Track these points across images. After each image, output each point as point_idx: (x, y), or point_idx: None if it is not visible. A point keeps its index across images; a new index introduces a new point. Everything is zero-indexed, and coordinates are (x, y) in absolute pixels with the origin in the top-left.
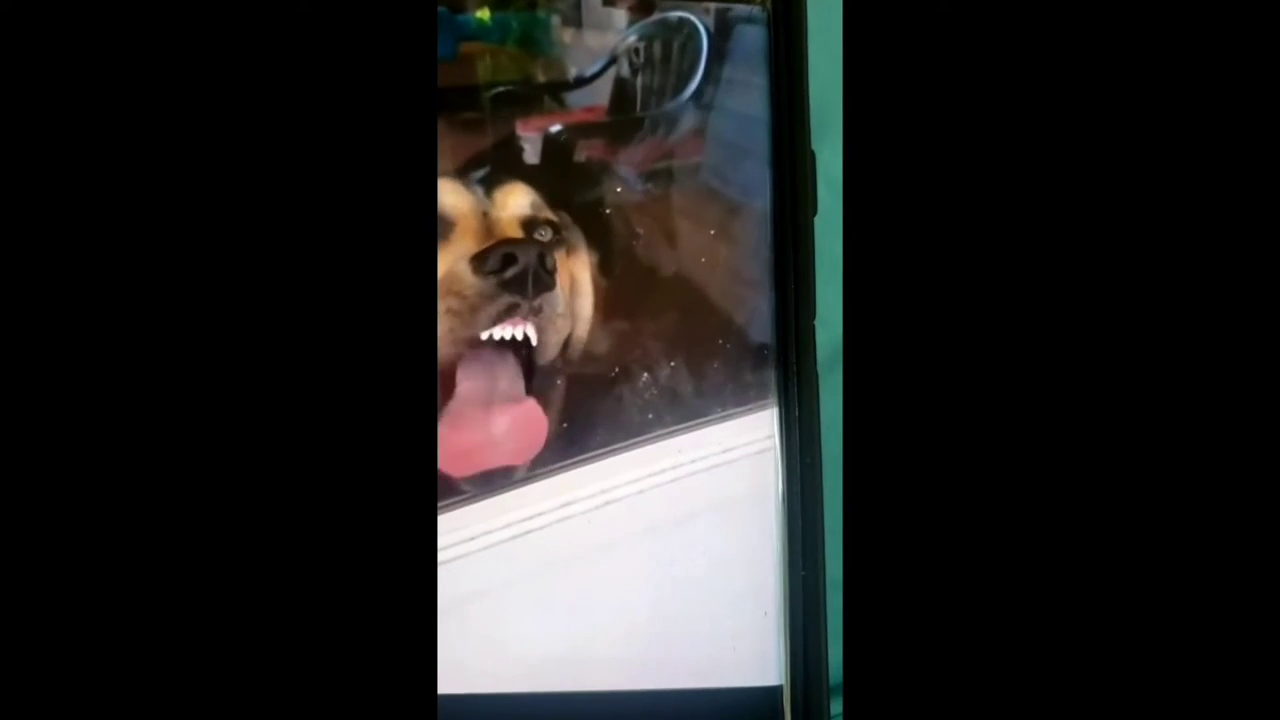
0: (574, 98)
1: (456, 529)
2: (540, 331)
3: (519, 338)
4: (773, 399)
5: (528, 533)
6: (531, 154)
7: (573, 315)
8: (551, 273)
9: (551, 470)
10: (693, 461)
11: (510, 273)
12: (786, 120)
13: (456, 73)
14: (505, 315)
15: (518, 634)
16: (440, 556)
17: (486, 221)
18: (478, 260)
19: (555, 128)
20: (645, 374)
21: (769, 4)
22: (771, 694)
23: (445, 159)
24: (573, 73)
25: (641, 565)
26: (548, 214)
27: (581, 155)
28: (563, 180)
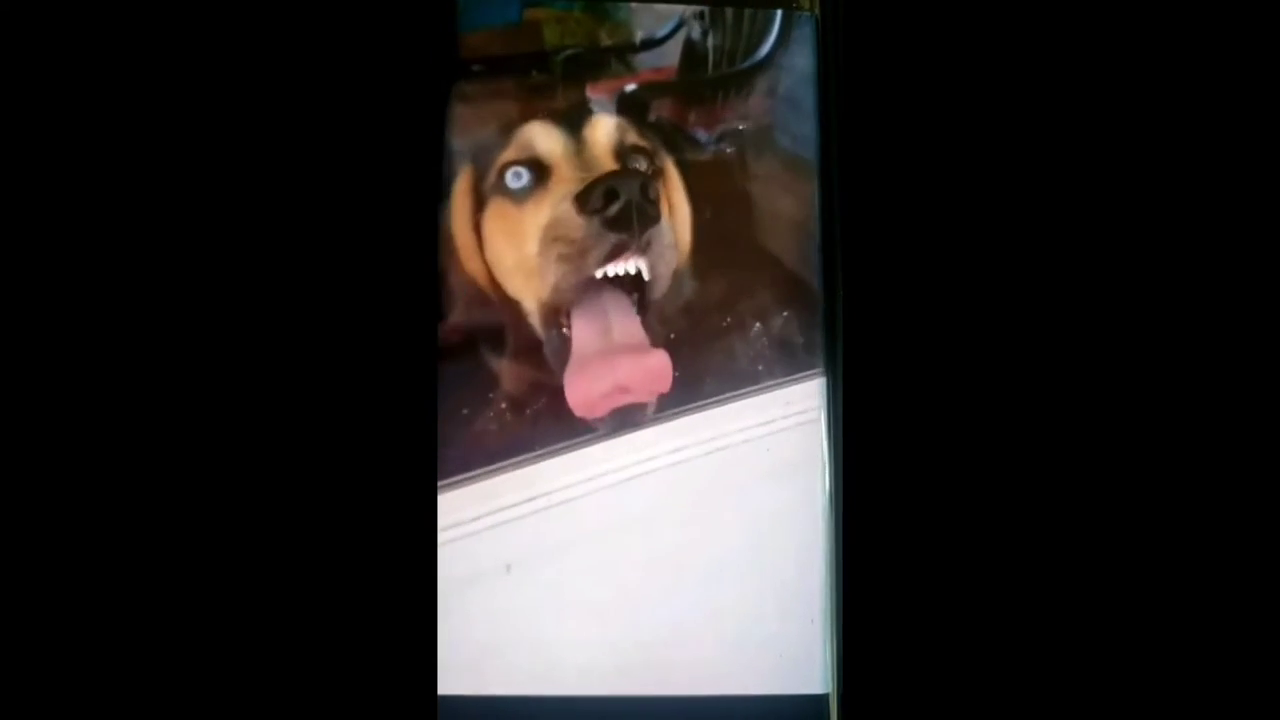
0: (642, 60)
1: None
2: (651, 266)
3: (631, 273)
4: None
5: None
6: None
7: (677, 242)
8: (655, 203)
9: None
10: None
11: (614, 209)
12: (830, 82)
13: (522, 38)
14: (616, 253)
15: (569, 638)
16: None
17: (582, 159)
18: (581, 199)
19: (630, 86)
20: (758, 324)
21: (816, 9)
22: (817, 703)
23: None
24: (639, 36)
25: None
26: (636, 139)
27: (653, 115)
28: (643, 139)
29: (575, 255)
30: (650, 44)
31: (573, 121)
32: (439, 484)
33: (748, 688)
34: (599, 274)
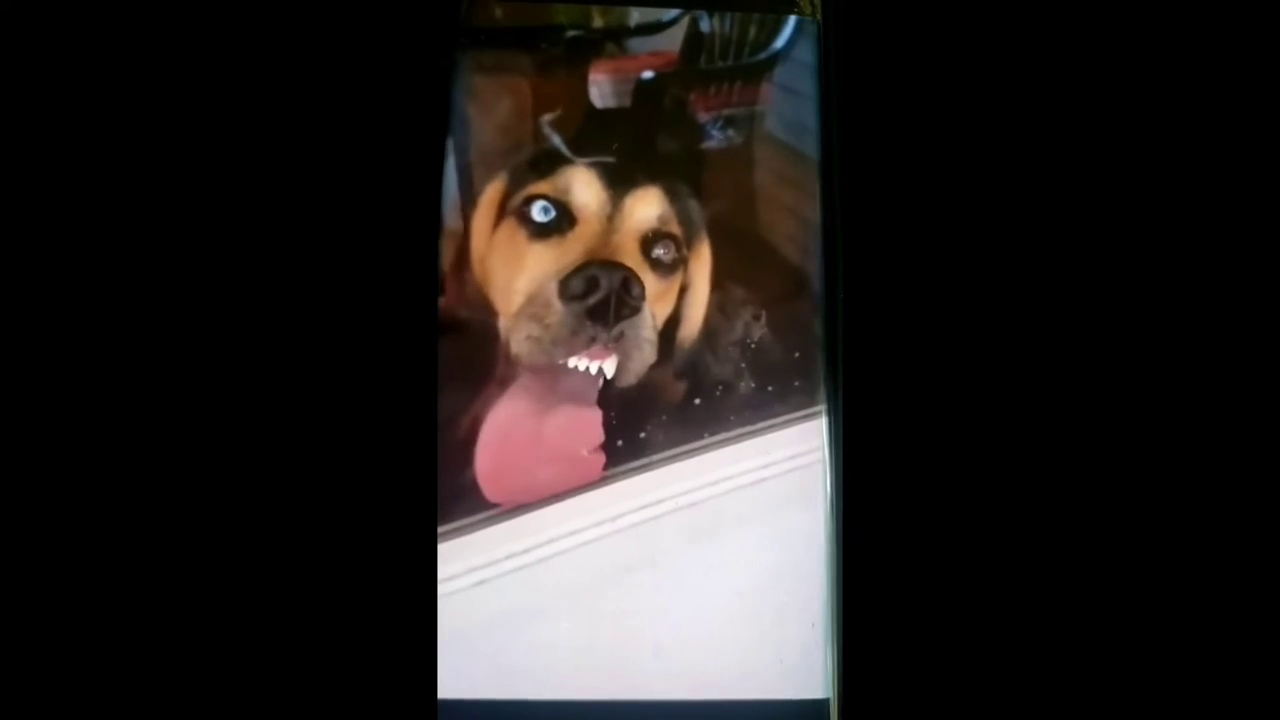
0: (641, 45)
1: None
2: (621, 361)
3: (593, 373)
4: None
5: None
6: (599, 97)
7: (685, 317)
8: (638, 297)
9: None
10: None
11: (593, 299)
12: (833, 95)
13: (532, 13)
14: (585, 347)
15: (570, 641)
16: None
17: (608, 227)
18: (563, 285)
19: (647, 74)
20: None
21: (818, 15)
22: (819, 707)
23: (515, 100)
24: (635, 18)
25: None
26: (673, 227)
27: (664, 101)
28: (647, 128)
29: (546, 341)
30: (656, 28)
31: (620, 181)
32: None
33: (748, 692)
34: (563, 364)
